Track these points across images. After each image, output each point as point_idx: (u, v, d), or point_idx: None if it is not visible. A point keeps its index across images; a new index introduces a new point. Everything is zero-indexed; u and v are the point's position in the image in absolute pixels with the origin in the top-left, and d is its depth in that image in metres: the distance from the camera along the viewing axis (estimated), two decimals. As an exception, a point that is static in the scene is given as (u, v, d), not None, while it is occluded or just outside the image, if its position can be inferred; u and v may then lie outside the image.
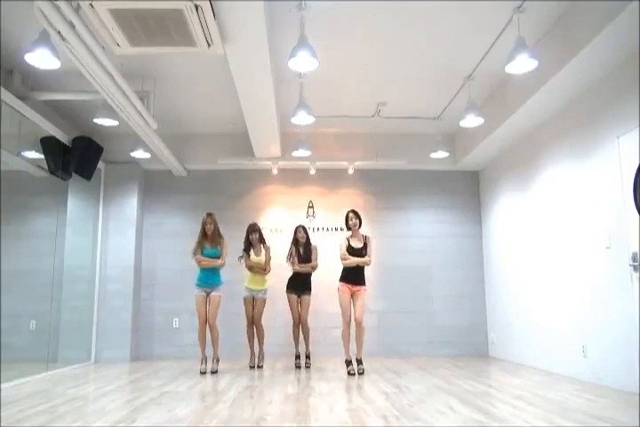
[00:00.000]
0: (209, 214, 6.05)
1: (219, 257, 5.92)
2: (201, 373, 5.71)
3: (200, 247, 5.93)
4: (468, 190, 7.99)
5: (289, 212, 7.77)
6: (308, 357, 6.28)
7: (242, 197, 7.78)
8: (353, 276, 5.73)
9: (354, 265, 5.71)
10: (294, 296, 6.27)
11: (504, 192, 7.11)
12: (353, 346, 5.72)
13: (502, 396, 4.26)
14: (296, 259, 6.33)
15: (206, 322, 5.83)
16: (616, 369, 4.60)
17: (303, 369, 6.03)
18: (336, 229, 7.66)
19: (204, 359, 5.86)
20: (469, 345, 7.50)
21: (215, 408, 3.83)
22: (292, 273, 6.38)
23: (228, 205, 7.65)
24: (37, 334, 6.13)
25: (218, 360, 5.91)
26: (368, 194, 7.89)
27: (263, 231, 6.59)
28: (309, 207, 7.82)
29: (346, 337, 5.70)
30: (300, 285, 6.28)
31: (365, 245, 5.79)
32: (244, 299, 6.25)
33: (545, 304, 5.89)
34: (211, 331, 5.85)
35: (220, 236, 6.03)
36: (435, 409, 3.73)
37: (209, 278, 5.89)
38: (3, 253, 5.19)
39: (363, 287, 5.74)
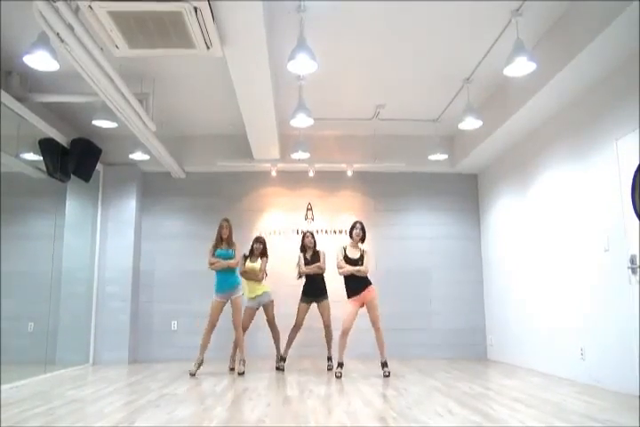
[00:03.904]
0: (226, 220, 6.06)
1: (232, 258, 5.93)
2: (190, 374, 5.69)
3: (214, 250, 5.96)
4: (466, 192, 8.00)
5: (288, 214, 7.78)
6: (329, 359, 6.26)
7: (240, 199, 7.79)
8: (358, 285, 5.71)
9: (348, 274, 5.71)
10: (305, 305, 6.22)
11: (502, 194, 7.12)
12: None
13: (500, 398, 4.26)
14: (303, 263, 6.26)
15: (214, 328, 5.83)
16: (614, 371, 4.60)
17: (302, 372, 6.02)
18: (335, 232, 7.68)
19: (200, 363, 5.83)
20: (468, 347, 7.50)
21: (214, 410, 3.82)
22: (304, 280, 6.30)
23: (227, 208, 7.64)
24: (35, 336, 6.12)
25: (244, 362, 5.91)
26: (367, 196, 7.90)
27: (261, 234, 6.59)
28: (308, 210, 7.83)
29: (342, 342, 5.68)
30: (314, 290, 6.22)
31: (362, 256, 5.80)
32: (246, 308, 6.19)
33: (543, 306, 5.90)
34: (237, 335, 5.89)
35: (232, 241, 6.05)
36: (433, 411, 3.73)
37: (227, 280, 5.90)
38: (1, 255, 5.18)
39: (372, 288, 5.72)
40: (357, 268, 5.70)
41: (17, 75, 5.31)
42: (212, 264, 5.91)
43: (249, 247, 6.35)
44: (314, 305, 6.24)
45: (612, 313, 4.65)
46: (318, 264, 6.21)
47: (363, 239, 5.89)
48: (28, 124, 5.59)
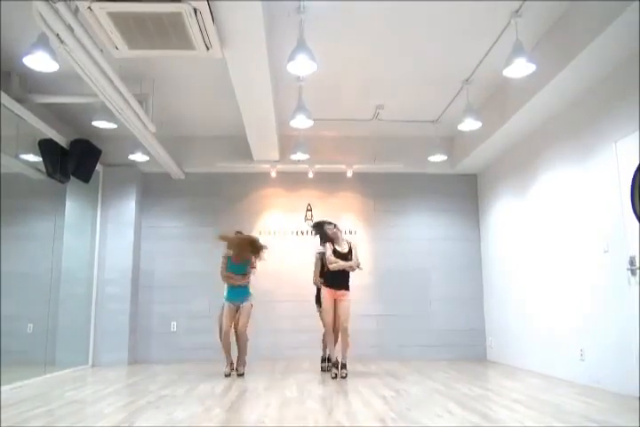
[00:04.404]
0: (237, 232, 6.05)
1: (245, 273, 5.91)
2: (225, 375, 5.72)
3: (227, 261, 5.92)
4: (466, 194, 8.00)
5: (287, 215, 7.77)
6: (327, 360, 6.23)
7: (240, 200, 7.78)
8: (337, 280, 5.74)
9: (341, 269, 5.71)
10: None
11: (502, 196, 7.12)
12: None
13: (500, 399, 4.25)
14: (318, 276, 6.15)
15: (229, 332, 5.81)
16: (614, 372, 4.60)
17: (301, 373, 6.02)
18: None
19: (230, 363, 5.88)
20: (468, 349, 7.49)
21: (213, 411, 3.82)
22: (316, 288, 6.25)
23: (227, 209, 7.65)
24: (35, 337, 6.12)
25: (244, 364, 5.90)
26: (366, 197, 7.89)
27: (261, 235, 6.57)
28: (308, 210, 7.82)
29: (330, 341, 5.71)
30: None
31: (350, 249, 5.80)
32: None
33: (543, 308, 5.90)
34: (238, 338, 5.84)
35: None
36: (433, 413, 3.72)
37: (238, 294, 5.88)
38: (1, 256, 5.18)
39: (346, 292, 5.73)
40: (349, 263, 5.72)
41: (17, 75, 5.32)
42: (227, 278, 5.88)
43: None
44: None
45: (612, 314, 4.65)
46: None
47: (338, 229, 5.88)
48: (28, 125, 5.59)
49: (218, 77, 5.50)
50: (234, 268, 5.90)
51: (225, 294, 5.93)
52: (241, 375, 5.73)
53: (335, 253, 5.77)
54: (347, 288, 5.75)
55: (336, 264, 5.71)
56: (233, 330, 5.85)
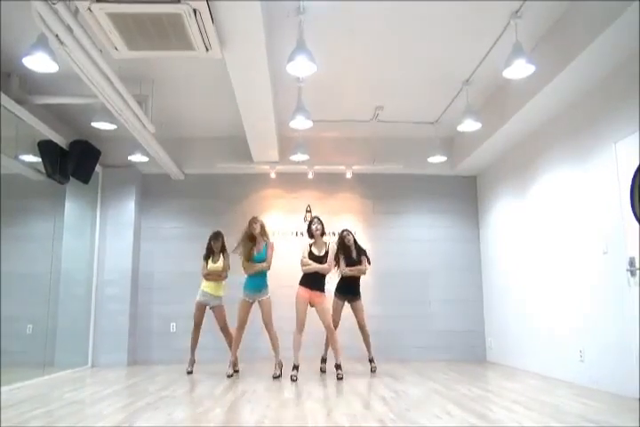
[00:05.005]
0: (255, 218, 6.02)
1: (266, 258, 5.87)
2: (227, 376, 5.69)
3: (249, 255, 5.85)
4: (465, 195, 8.00)
5: (287, 216, 7.77)
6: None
7: (240, 201, 7.78)
8: (312, 281, 5.72)
9: (313, 271, 5.70)
10: (340, 302, 6.14)
11: (501, 197, 7.12)
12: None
13: (499, 400, 4.25)
14: (344, 263, 6.14)
15: (244, 328, 5.80)
16: (613, 373, 4.59)
17: (300, 374, 6.00)
18: (333, 234, 7.65)
19: (233, 363, 5.88)
20: (467, 350, 7.49)
21: (213, 412, 3.81)
22: (339, 278, 6.22)
23: (226, 210, 7.64)
24: (34, 337, 6.11)
25: (281, 365, 5.79)
26: (366, 198, 7.89)
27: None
28: (307, 211, 7.82)
29: (297, 342, 5.63)
30: (349, 290, 6.15)
31: (327, 253, 5.78)
32: (197, 303, 6.17)
33: (543, 309, 5.89)
34: (269, 336, 5.81)
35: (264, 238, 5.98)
36: (432, 413, 3.72)
37: (257, 284, 5.83)
38: (1, 257, 5.18)
39: (322, 294, 5.72)
40: (321, 266, 5.69)
41: (16, 76, 5.31)
42: (246, 269, 5.84)
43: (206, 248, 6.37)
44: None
45: (611, 315, 4.64)
46: (360, 268, 6.16)
47: (322, 233, 5.87)
48: (27, 126, 5.58)
49: (217, 78, 5.50)
50: (255, 258, 5.83)
51: (244, 284, 5.86)
52: (277, 378, 5.59)
53: (311, 254, 5.77)
54: (321, 290, 5.73)
55: (308, 267, 5.71)
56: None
